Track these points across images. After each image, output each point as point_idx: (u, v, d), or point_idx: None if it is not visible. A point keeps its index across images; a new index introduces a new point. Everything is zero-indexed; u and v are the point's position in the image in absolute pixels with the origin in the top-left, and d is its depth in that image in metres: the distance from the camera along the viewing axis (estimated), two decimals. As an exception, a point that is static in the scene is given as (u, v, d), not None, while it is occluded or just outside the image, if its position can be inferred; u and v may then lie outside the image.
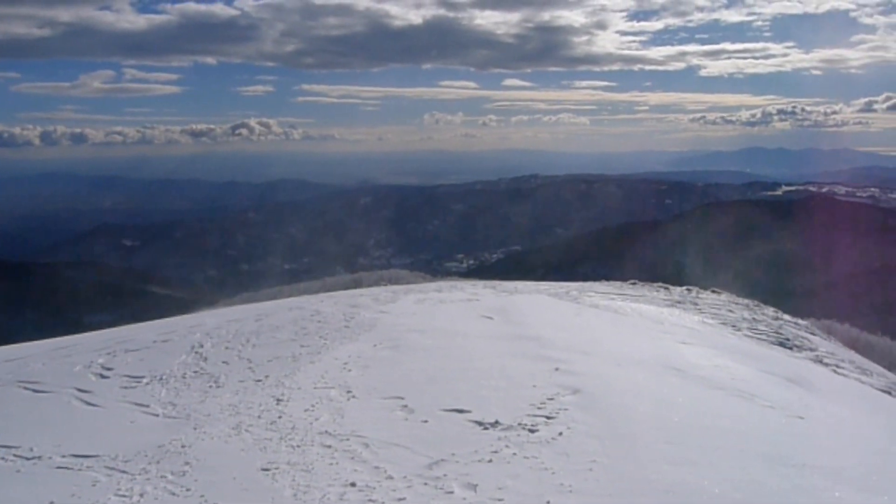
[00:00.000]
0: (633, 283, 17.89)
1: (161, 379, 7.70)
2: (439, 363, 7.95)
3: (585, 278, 20.50)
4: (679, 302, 15.57)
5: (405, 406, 6.42)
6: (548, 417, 6.05)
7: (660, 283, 18.20)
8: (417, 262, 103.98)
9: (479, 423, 5.92)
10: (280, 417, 6.25)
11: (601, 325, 11.54)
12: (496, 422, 5.93)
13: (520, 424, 5.88)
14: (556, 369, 7.56)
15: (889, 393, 12.52)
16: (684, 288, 17.75)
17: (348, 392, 6.90)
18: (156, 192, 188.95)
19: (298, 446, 5.52)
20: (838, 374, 12.40)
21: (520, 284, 16.67)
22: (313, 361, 8.16)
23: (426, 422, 6.01)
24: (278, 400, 6.76)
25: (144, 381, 7.65)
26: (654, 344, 10.19)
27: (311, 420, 6.13)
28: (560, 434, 5.66)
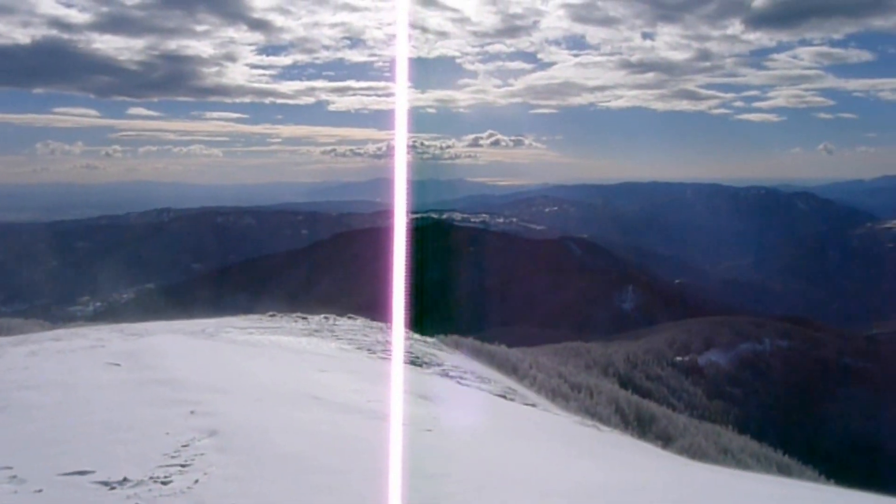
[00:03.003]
0: (273, 315, 17.96)
1: None
2: (56, 422, 7.11)
3: (224, 314, 20.00)
4: (317, 330, 15.96)
5: (14, 476, 5.60)
6: (182, 466, 5.72)
7: (298, 313, 18.51)
8: (33, 309, 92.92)
9: (105, 484, 5.38)
10: None
11: (239, 361, 11.35)
12: (124, 479, 5.44)
13: (151, 478, 5.47)
14: (192, 412, 7.22)
15: (504, 397, 14.14)
16: (322, 316, 18.27)
17: (-62, 470, 5.84)
18: None
19: None
20: (462, 385, 13.69)
21: (151, 325, 15.75)
22: None
23: (40, 491, 5.30)
24: None
25: None
26: (292, 375, 10.29)
27: None
28: (196, 482, 5.38)
